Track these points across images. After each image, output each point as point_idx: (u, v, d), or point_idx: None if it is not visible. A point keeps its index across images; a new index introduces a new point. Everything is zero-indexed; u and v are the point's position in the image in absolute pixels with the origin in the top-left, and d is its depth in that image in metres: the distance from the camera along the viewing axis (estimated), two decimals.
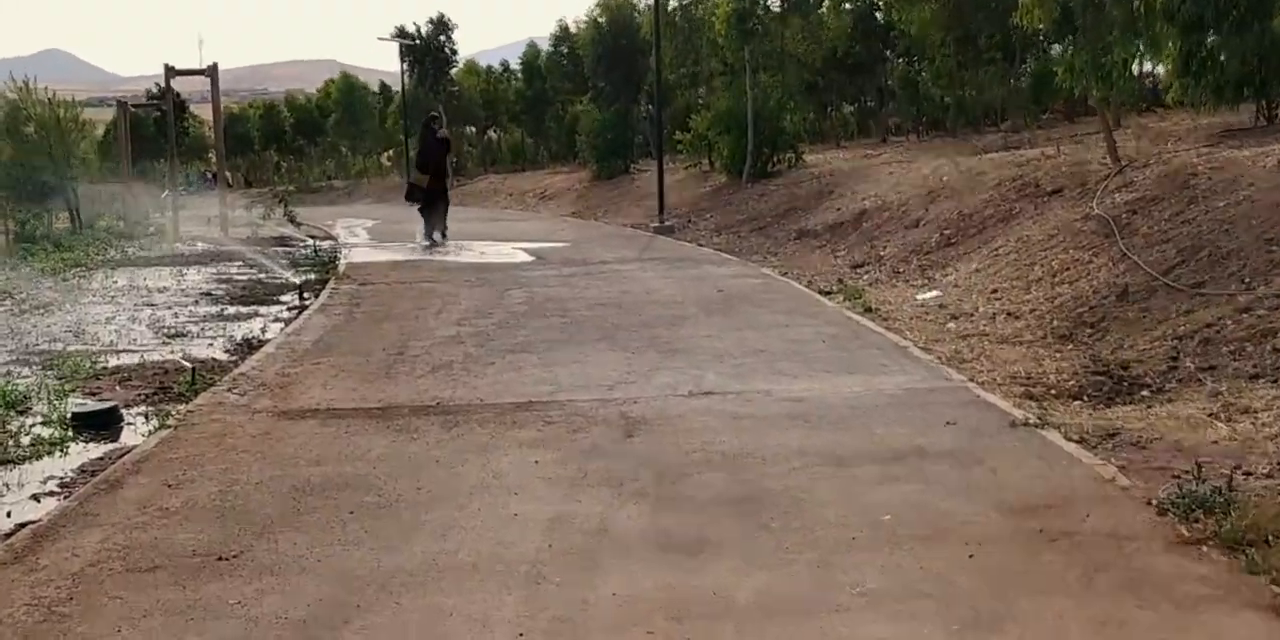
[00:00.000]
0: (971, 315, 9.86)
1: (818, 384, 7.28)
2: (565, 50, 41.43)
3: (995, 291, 10.50)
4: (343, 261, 16.62)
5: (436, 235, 19.05)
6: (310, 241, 20.41)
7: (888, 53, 32.25)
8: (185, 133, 55.11)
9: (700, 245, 17.60)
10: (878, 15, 31.05)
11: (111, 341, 9.89)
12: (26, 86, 19.58)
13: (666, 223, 20.82)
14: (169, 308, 11.93)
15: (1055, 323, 9.03)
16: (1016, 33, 27.75)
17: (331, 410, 7.04)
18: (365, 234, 23.40)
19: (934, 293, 11.01)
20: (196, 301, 12.46)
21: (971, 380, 7.34)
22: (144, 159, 49.28)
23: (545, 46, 44.30)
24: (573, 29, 39.76)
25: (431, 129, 19.35)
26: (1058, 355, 8.16)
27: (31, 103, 19.40)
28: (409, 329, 10.08)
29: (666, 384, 7.45)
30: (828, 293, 11.77)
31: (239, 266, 15.80)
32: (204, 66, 22.14)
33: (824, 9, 25.96)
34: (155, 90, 53.34)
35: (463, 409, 6.96)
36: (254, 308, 12.05)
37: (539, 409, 6.89)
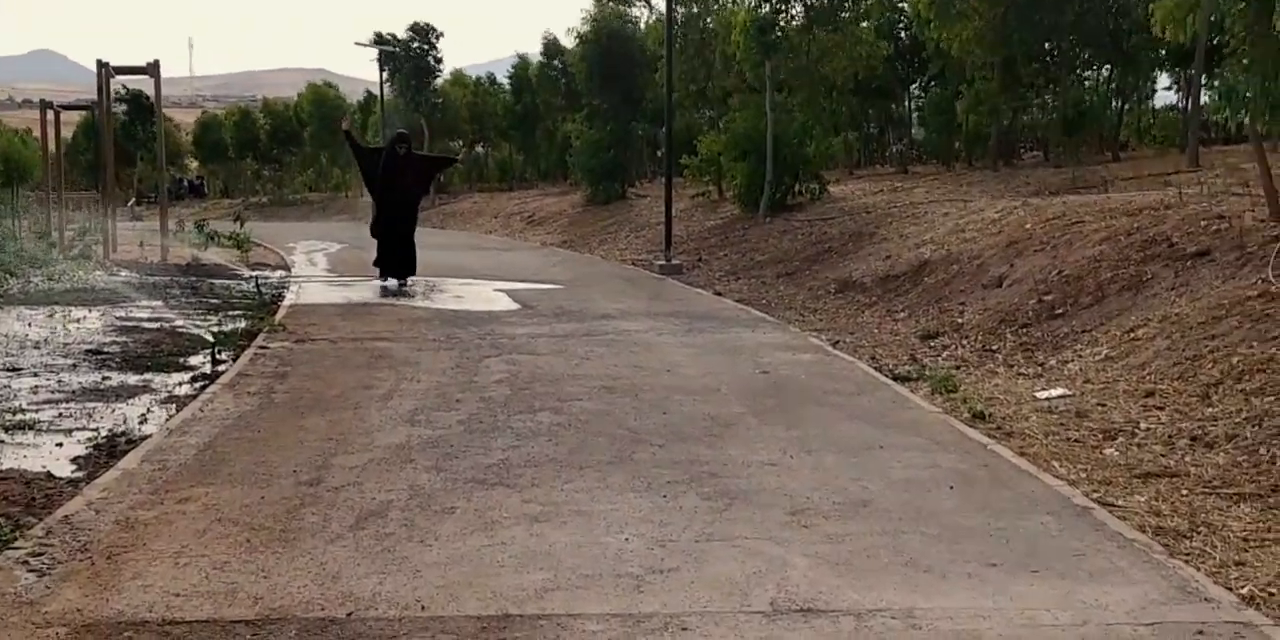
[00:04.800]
0: (1132, 434, 6.99)
1: (990, 600, 4.35)
2: (558, 64, 38.78)
3: (1151, 395, 7.64)
4: (286, 302, 13.73)
5: (391, 281, 15.54)
6: (255, 273, 17.47)
7: (913, 75, 29.64)
8: (153, 138, 51.87)
9: (719, 294, 14.73)
10: (903, 35, 28.52)
11: None
12: None
13: (674, 261, 18.03)
14: (34, 374, 8.96)
15: None
16: (1054, 58, 25.22)
17: (168, 625, 4.12)
18: (325, 262, 20.52)
19: (1059, 390, 8.15)
20: (76, 364, 9.48)
21: (1243, 599, 4.44)
22: (114, 165, 46.11)
23: (536, 59, 41.66)
24: (564, 41, 37.08)
25: (394, 150, 15.79)
26: None
27: None
28: (340, 429, 7.16)
29: (730, 580, 4.55)
30: (905, 378, 8.93)
31: (153, 310, 12.82)
32: (146, 64, 19.24)
33: (857, 24, 23.14)
34: (124, 92, 50.27)
35: (388, 629, 4.07)
36: (147, 377, 9.09)
37: (523, 635, 4.01)
